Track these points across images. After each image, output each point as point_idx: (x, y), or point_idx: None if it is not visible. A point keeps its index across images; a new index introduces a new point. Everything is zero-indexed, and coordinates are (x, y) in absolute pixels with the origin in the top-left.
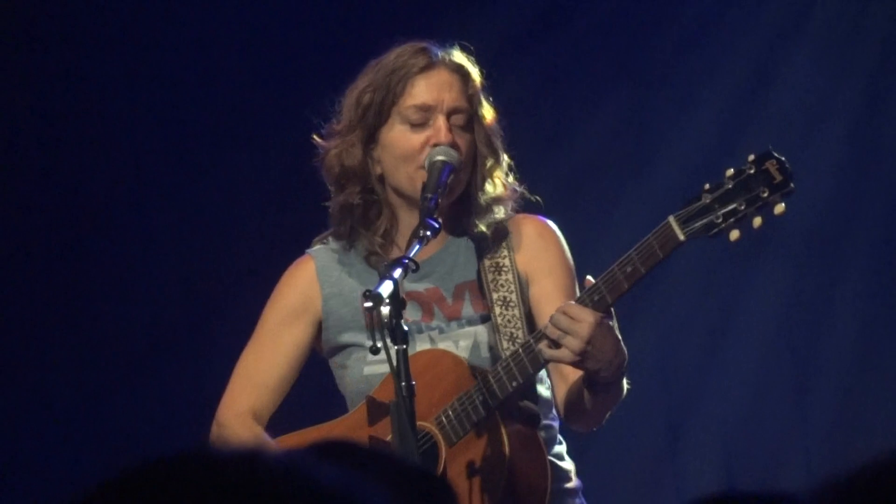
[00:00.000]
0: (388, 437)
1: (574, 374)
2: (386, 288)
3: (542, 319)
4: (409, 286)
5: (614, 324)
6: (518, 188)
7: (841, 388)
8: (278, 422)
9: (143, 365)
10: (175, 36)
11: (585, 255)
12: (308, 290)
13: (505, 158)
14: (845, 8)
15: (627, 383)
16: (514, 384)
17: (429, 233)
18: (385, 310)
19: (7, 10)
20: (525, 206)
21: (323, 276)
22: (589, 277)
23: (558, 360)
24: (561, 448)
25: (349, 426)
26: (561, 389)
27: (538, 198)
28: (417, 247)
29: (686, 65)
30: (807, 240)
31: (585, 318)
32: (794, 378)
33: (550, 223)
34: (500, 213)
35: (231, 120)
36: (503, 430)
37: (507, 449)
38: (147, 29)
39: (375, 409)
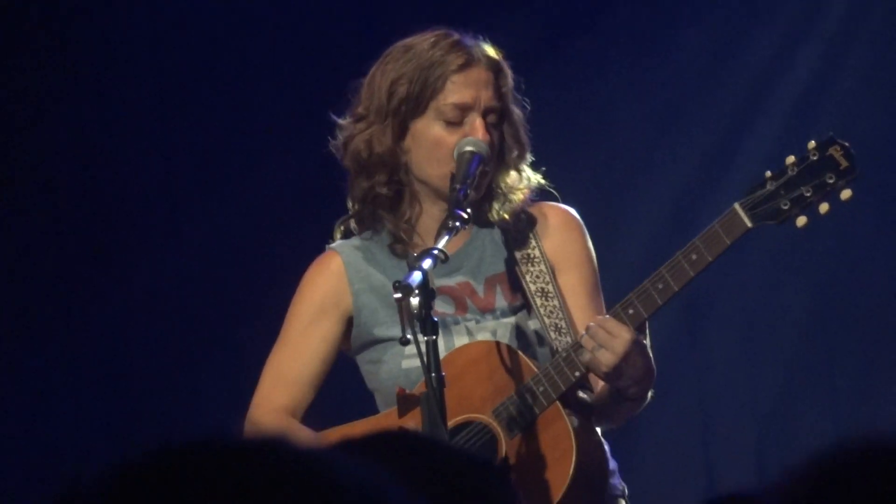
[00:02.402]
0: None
1: (599, 380)
2: (416, 278)
3: (567, 313)
4: (439, 281)
5: (648, 342)
6: (539, 180)
7: (873, 377)
8: (308, 420)
9: (169, 363)
10: (201, 41)
11: (603, 247)
12: (337, 286)
13: (528, 152)
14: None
15: (651, 392)
16: (578, 374)
17: (458, 223)
18: (415, 300)
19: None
20: (543, 197)
21: (351, 272)
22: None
23: (592, 371)
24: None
25: (383, 421)
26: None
27: (553, 189)
28: (447, 237)
29: (706, 63)
30: (839, 227)
31: (621, 335)
32: (826, 366)
33: (574, 213)
34: (518, 199)
35: (257, 118)
36: (566, 420)
37: (572, 439)
38: (175, 38)
39: (405, 402)
